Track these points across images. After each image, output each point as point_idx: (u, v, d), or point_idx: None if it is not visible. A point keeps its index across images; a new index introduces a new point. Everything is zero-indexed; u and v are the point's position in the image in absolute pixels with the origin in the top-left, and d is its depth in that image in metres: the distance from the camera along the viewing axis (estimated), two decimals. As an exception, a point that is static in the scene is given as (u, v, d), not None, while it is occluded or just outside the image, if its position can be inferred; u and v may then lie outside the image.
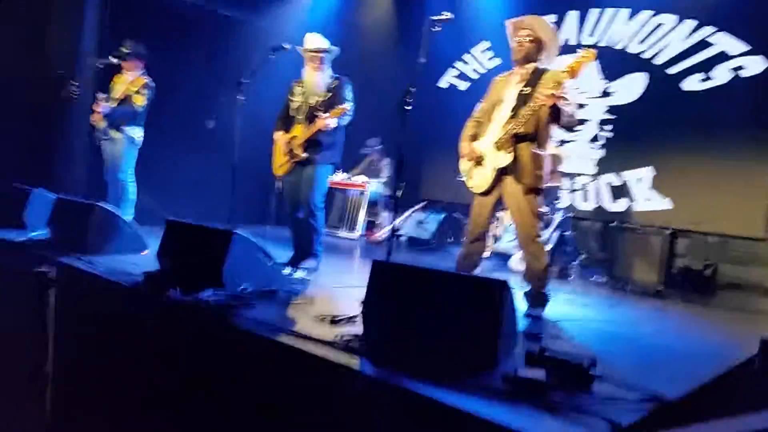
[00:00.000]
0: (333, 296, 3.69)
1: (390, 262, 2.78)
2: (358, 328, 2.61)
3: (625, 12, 6.90)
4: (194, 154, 7.17)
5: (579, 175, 7.01)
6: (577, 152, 7.04)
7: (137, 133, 5.53)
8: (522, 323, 3.18)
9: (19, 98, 6.38)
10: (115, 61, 5.56)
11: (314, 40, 4.55)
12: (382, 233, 7.26)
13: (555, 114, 3.52)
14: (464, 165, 3.89)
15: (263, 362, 2.46)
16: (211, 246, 3.20)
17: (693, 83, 6.32)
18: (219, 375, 2.58)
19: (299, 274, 4.25)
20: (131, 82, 5.54)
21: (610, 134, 6.91)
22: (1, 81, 6.23)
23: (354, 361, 2.27)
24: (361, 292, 2.58)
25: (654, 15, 6.66)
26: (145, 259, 3.99)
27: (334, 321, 2.81)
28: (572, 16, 7.35)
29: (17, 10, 6.52)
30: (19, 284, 3.23)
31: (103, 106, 5.42)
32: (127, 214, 5.37)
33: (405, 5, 8.58)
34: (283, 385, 2.39)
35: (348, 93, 4.51)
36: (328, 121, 4.30)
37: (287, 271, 4.21)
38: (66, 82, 5.61)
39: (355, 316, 2.83)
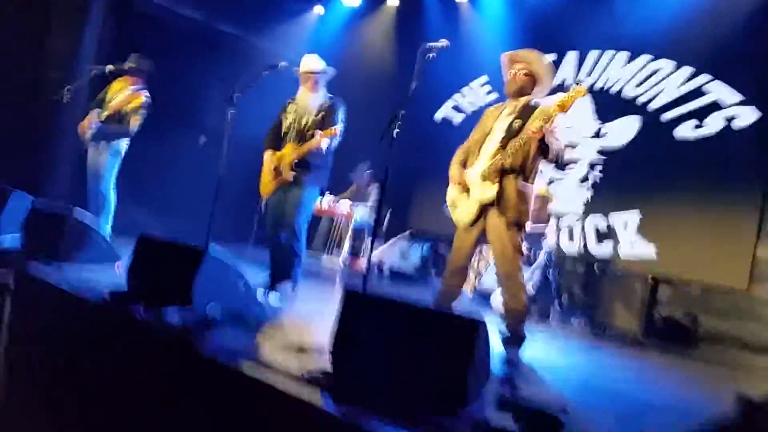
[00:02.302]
0: (304, 324, 3.58)
1: (363, 292, 2.68)
2: (325, 360, 2.50)
3: (623, 55, 6.94)
4: (181, 168, 7.10)
5: (566, 214, 6.96)
6: (565, 191, 7.01)
7: (123, 144, 5.43)
8: (496, 364, 3.08)
9: (13, 100, 6.32)
10: (111, 68, 5.45)
11: (310, 62, 4.53)
12: (365, 261, 7.15)
13: (543, 149, 3.48)
14: (451, 193, 3.82)
15: (222, 389, 2.35)
16: (182, 263, 3.09)
17: (686, 130, 6.33)
18: (175, 398, 2.45)
19: (273, 298, 4.13)
20: (129, 98, 5.40)
21: (599, 175, 6.89)
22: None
23: (317, 396, 2.16)
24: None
25: (652, 60, 6.69)
26: (115, 272, 3.88)
27: (301, 350, 2.70)
28: (571, 56, 7.38)
29: (20, 14, 6.51)
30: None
31: (95, 123, 5.30)
32: (105, 224, 5.27)
33: (405, 33, 8.61)
34: (242, 416, 2.27)
35: (340, 115, 4.47)
36: (322, 141, 4.23)
37: (260, 294, 4.10)
38: (60, 85, 5.52)
39: (323, 347, 2.72)
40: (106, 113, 5.37)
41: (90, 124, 5.30)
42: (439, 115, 8.65)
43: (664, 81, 6.57)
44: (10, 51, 6.42)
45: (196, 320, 2.84)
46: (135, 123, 5.36)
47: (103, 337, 2.77)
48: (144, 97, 5.43)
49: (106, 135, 5.33)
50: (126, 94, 5.44)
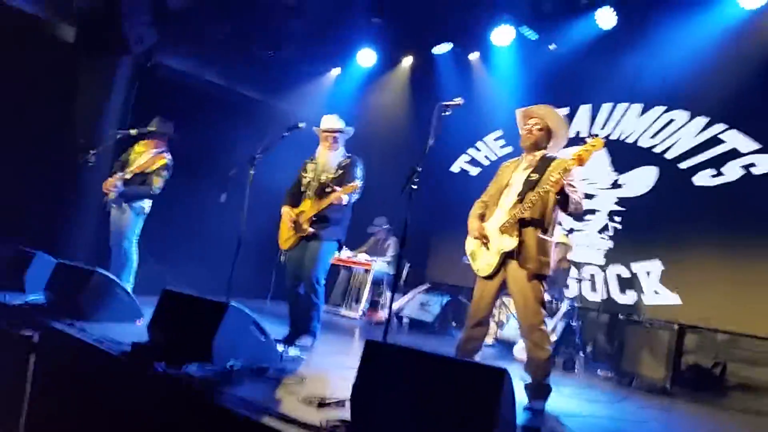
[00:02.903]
0: (325, 377, 3.55)
1: (384, 342, 2.66)
2: (346, 413, 2.47)
3: (637, 107, 7.01)
4: (203, 226, 7.21)
5: (587, 264, 6.90)
6: (585, 242, 6.97)
7: (146, 204, 5.55)
8: (521, 416, 3.01)
9: (39, 164, 6.52)
10: (134, 132, 5.64)
11: (330, 121, 4.67)
12: (384, 313, 7.11)
13: (562, 201, 3.49)
14: (470, 244, 3.83)
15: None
16: (204, 318, 3.11)
17: (704, 179, 6.32)
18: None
19: (293, 351, 4.11)
20: (152, 160, 5.53)
21: (619, 225, 6.86)
22: (25, 146, 6.40)
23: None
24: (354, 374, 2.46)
25: (666, 111, 6.75)
26: (139, 329, 3.90)
27: (322, 404, 2.67)
28: (584, 109, 7.48)
29: (48, 78, 6.79)
30: (1, 347, 3.14)
31: (118, 184, 5.44)
32: (127, 282, 5.32)
33: (421, 92, 8.81)
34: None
35: (358, 171, 4.55)
36: (341, 197, 4.30)
37: (281, 348, 4.08)
38: (85, 150, 5.69)
39: (344, 400, 2.68)
40: (129, 175, 5.50)
41: (114, 184, 5.43)
42: (454, 169, 8.74)
43: (680, 130, 6.61)
44: (37, 114, 6.66)
45: (217, 375, 2.83)
46: (157, 184, 5.49)
47: (125, 390, 2.77)
48: (166, 158, 5.58)
49: (129, 195, 5.45)
50: (149, 156, 5.58)
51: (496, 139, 8.35)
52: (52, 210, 6.61)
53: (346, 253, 7.69)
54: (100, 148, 5.64)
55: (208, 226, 7.20)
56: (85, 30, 7.01)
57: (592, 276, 6.85)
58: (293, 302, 4.48)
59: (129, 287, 5.26)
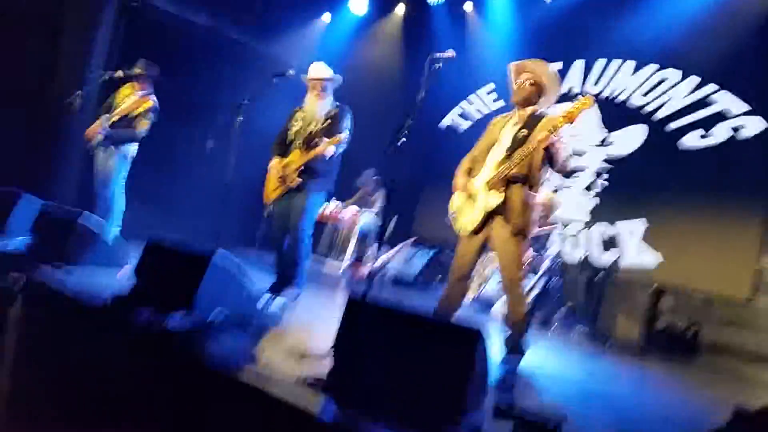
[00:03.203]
0: (308, 330, 3.60)
1: (365, 300, 2.70)
2: (327, 365, 2.52)
3: (630, 64, 6.95)
4: (190, 172, 7.16)
5: (572, 221, 6.97)
6: (571, 199, 7.01)
7: (132, 148, 5.49)
8: (496, 372, 3.09)
9: (24, 104, 6.40)
10: (120, 74, 5.54)
11: (318, 69, 4.57)
12: (367, 267, 7.16)
13: (549, 158, 3.49)
14: (456, 201, 3.84)
15: (221, 397, 2.37)
16: (189, 268, 3.13)
17: (692, 140, 6.33)
18: (176, 404, 2.48)
19: (278, 302, 4.16)
20: (137, 102, 5.47)
21: (605, 183, 6.89)
22: (10, 86, 6.25)
23: (316, 404, 2.18)
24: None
25: (659, 69, 6.70)
26: (123, 276, 3.92)
27: (303, 356, 2.72)
28: (578, 64, 7.40)
29: (33, 21, 6.59)
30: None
31: (103, 128, 5.37)
32: (114, 227, 5.32)
33: (414, 42, 8.66)
34: (242, 423, 2.29)
35: (346, 122, 4.50)
36: (327, 149, 4.27)
37: (266, 298, 4.13)
38: (70, 90, 5.58)
39: (325, 354, 2.74)
40: (114, 118, 5.43)
41: (98, 129, 5.37)
42: (445, 123, 8.68)
43: (670, 90, 6.59)
44: (21, 55, 6.50)
45: (199, 325, 2.86)
46: (143, 127, 5.43)
47: (106, 341, 2.80)
48: (152, 101, 5.50)
49: (114, 139, 5.39)
50: (134, 99, 5.51)
51: (489, 93, 8.27)
52: (37, 154, 6.53)
53: (334, 204, 7.70)
54: (85, 90, 5.54)
55: (196, 172, 7.15)
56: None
57: (576, 233, 6.93)
58: (279, 254, 4.49)
59: (115, 231, 5.27)
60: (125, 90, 5.62)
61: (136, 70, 5.54)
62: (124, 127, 5.42)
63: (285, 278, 4.41)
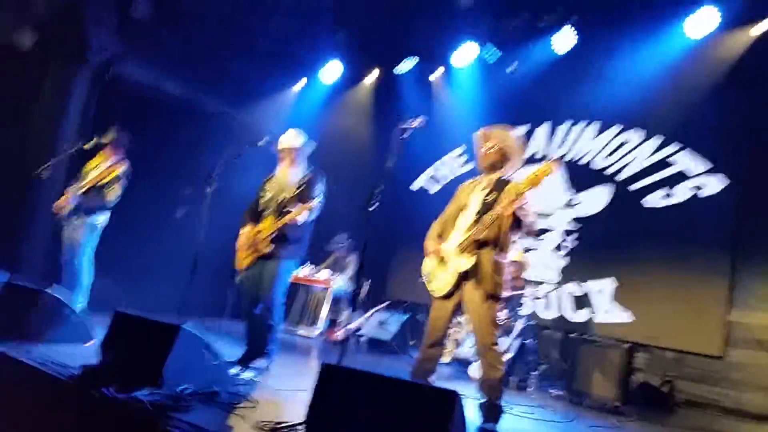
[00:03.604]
0: (279, 401, 3.51)
1: (339, 365, 2.67)
2: (299, 438, 2.46)
3: (595, 125, 7.18)
4: (159, 242, 7.09)
5: (542, 283, 7.02)
6: (541, 260, 7.10)
7: (101, 218, 5.44)
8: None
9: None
10: (87, 146, 5.53)
11: (288, 139, 4.60)
12: (342, 332, 7.07)
13: (516, 223, 3.57)
14: (427, 265, 3.87)
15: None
16: (156, 341, 3.06)
17: (655, 199, 6.52)
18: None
19: (248, 374, 4.06)
20: (107, 170, 5.45)
21: (574, 243, 7.01)
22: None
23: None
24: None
25: (623, 130, 6.93)
26: (88, 351, 3.80)
27: (276, 429, 2.65)
28: (543, 128, 7.64)
29: (6, 87, 6.62)
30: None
31: (72, 197, 5.34)
32: (80, 301, 5.20)
33: (384, 109, 8.88)
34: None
35: (319, 187, 4.51)
36: (299, 215, 4.27)
37: (235, 370, 4.03)
38: (41, 163, 5.55)
39: (298, 424, 2.67)
40: (84, 188, 5.40)
41: (67, 200, 5.33)
42: (416, 185, 8.82)
43: (634, 151, 6.81)
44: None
45: (167, 400, 2.78)
46: (113, 194, 5.39)
47: (73, 415, 2.70)
48: (121, 168, 5.47)
49: (84, 208, 5.34)
50: (104, 168, 5.49)
51: (459, 156, 8.46)
52: (3, 224, 6.42)
53: (306, 270, 7.65)
54: (55, 161, 5.52)
55: (166, 241, 7.07)
56: (45, 37, 6.86)
57: (547, 294, 6.97)
58: (250, 323, 4.41)
59: (81, 305, 5.14)
60: (96, 159, 5.61)
61: (105, 139, 5.54)
62: (94, 196, 5.39)
63: (255, 348, 4.32)
